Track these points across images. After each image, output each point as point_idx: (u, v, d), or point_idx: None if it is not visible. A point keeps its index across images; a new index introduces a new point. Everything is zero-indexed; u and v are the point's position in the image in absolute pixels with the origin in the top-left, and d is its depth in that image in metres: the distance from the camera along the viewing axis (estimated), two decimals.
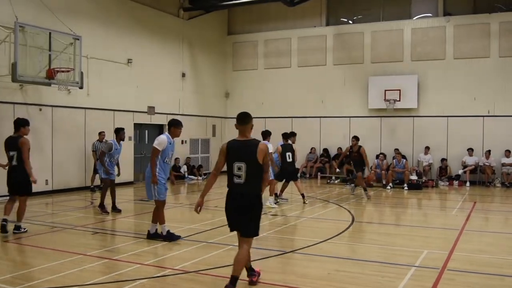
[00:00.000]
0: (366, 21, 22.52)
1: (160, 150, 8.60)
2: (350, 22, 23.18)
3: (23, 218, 9.63)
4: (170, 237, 8.75)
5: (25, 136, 9.44)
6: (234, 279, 5.82)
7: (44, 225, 10.54)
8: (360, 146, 15.23)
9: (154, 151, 8.61)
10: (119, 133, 12.32)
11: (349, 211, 12.74)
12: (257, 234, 6.18)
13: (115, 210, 12.23)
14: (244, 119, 6.07)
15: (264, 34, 24.46)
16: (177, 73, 21.97)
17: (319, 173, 21.90)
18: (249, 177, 5.89)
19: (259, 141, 6.02)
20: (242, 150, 5.94)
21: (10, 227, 9.48)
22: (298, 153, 15.71)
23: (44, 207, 13.68)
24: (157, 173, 8.66)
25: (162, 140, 8.63)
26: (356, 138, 15.41)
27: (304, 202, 13.92)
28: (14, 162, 9.34)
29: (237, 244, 6.22)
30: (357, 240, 9.49)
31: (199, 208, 6.19)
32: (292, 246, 8.39)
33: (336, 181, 20.36)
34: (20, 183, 9.40)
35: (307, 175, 22.45)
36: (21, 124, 9.51)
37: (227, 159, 6.02)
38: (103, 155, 12.20)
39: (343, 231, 10.00)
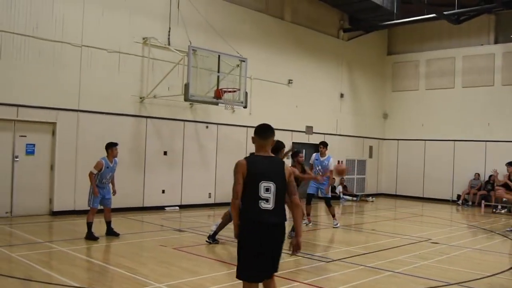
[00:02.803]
0: None
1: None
2: None
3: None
4: None
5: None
6: None
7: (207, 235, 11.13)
8: None
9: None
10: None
11: None
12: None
13: None
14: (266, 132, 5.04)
15: (426, 54, 23.65)
16: (336, 93, 22.09)
17: (483, 201, 20.44)
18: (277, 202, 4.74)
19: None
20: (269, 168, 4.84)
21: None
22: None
23: (206, 218, 14.51)
24: None
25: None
26: None
27: None
28: None
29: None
30: None
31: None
32: (456, 278, 7.93)
33: (502, 211, 18.85)
34: None
35: (470, 203, 21.13)
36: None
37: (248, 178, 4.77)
38: None
39: None
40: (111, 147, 10.42)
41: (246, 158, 4.97)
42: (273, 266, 4.81)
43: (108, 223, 10.59)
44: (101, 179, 10.29)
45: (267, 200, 4.68)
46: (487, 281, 8.01)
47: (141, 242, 10.43)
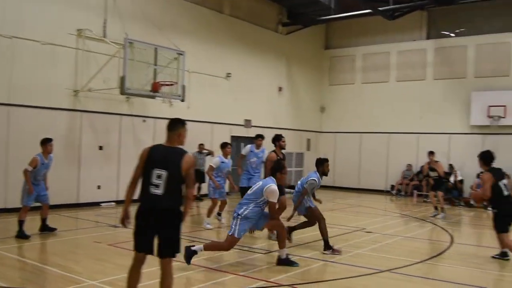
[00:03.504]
0: (470, 34, 21.59)
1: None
2: (452, 35, 22.34)
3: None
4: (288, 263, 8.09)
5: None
6: None
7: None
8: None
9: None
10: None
11: (447, 231, 12.27)
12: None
13: None
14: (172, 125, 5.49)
15: (362, 48, 24.24)
16: (274, 87, 22.28)
17: (415, 191, 21.21)
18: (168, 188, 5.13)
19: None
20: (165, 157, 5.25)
21: None
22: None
23: None
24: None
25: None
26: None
27: None
28: None
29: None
30: (457, 263, 9.05)
31: (126, 221, 5.40)
32: (388, 265, 8.21)
33: None
34: None
35: (403, 193, 21.86)
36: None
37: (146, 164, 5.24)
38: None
39: (441, 252, 9.66)
40: (46, 143, 10.12)
41: (151, 146, 5.37)
42: (169, 248, 5.21)
43: (44, 220, 10.29)
44: (35, 176, 9.96)
45: (157, 186, 5.08)
46: (418, 267, 8.36)
47: (75, 239, 10.20)
